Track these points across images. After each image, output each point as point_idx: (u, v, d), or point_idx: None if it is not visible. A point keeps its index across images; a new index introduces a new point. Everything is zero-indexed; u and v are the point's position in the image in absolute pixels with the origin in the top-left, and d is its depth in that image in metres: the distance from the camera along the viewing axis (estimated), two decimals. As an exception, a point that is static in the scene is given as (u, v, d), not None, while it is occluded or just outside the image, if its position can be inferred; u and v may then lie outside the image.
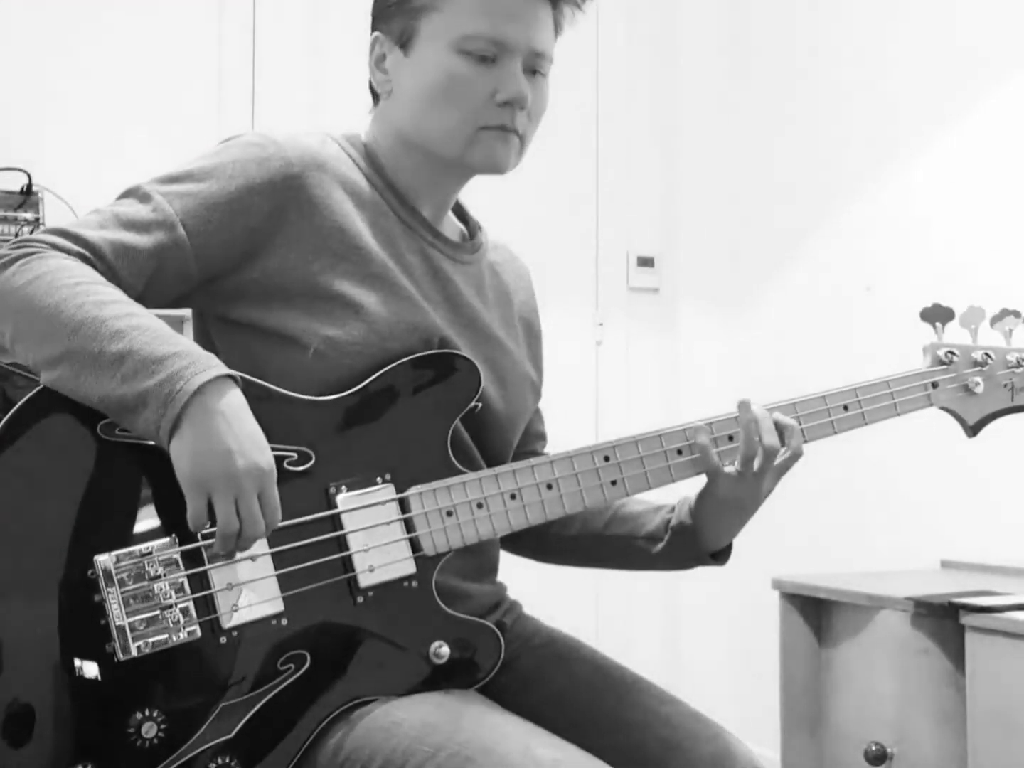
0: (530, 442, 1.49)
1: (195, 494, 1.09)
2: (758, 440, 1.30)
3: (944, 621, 1.95)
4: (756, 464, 1.31)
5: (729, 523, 1.37)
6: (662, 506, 1.43)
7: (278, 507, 1.12)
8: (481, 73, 1.28)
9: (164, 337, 1.12)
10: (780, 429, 1.32)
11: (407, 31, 1.31)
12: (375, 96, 1.38)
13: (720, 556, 1.41)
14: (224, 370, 1.12)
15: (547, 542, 1.46)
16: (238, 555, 1.13)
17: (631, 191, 3.49)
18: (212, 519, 1.10)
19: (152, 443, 1.12)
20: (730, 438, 1.33)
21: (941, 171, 2.75)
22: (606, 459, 1.30)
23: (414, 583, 1.22)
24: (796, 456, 1.33)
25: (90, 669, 1.09)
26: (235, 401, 1.11)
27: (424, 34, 1.30)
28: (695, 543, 1.39)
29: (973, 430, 1.47)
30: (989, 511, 2.54)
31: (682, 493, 1.40)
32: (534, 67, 1.31)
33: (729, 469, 1.32)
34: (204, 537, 1.13)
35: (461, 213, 1.47)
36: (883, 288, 2.88)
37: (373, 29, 1.35)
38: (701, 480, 1.36)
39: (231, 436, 1.09)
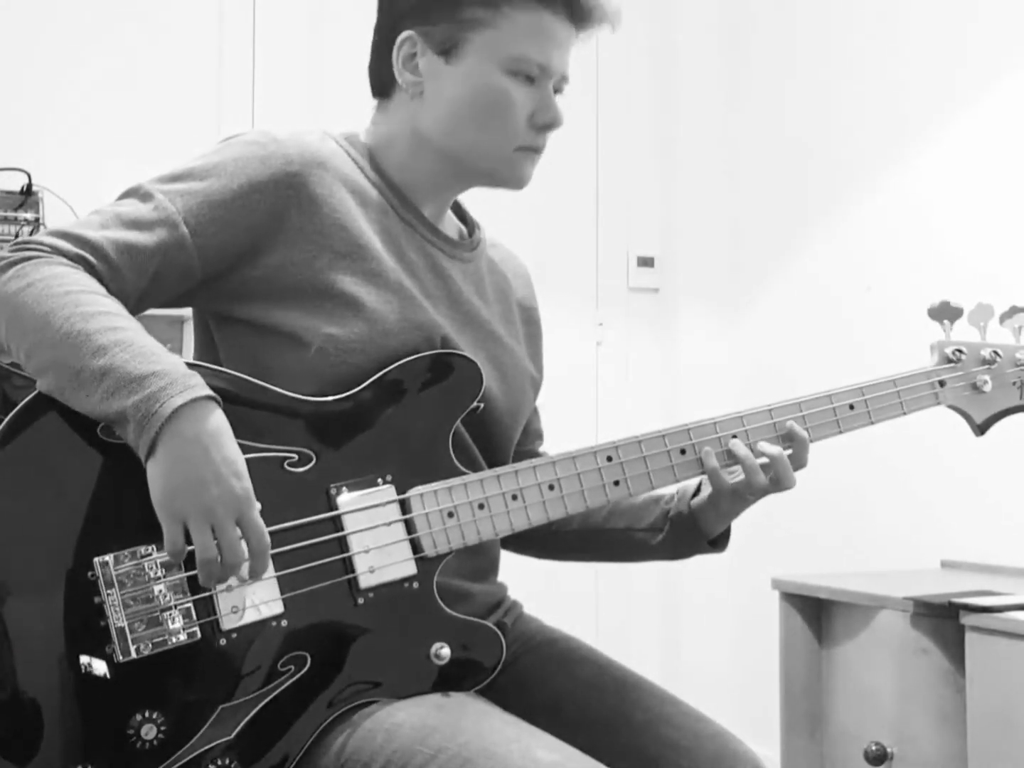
0: (529, 440, 1.50)
1: (169, 523, 1.08)
2: (768, 477, 1.31)
3: (944, 621, 1.95)
4: (762, 491, 1.33)
5: (729, 513, 1.38)
6: (660, 496, 1.44)
7: (262, 531, 1.10)
8: (524, 95, 1.31)
9: (146, 355, 1.10)
10: (791, 441, 1.33)
11: (453, 40, 1.30)
12: (381, 91, 1.37)
13: (719, 543, 1.42)
14: (202, 391, 1.10)
15: (547, 539, 1.46)
16: (232, 581, 1.12)
17: (631, 191, 3.49)
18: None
19: None
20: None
21: (941, 170, 2.75)
22: (608, 459, 1.30)
23: (415, 584, 1.22)
24: (799, 468, 1.34)
25: (90, 670, 1.09)
26: (212, 425, 1.10)
27: (474, 47, 1.30)
28: (695, 533, 1.40)
29: (981, 429, 1.46)
30: (989, 511, 2.54)
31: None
32: (558, 88, 1.35)
33: (734, 481, 1.33)
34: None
35: (459, 212, 1.47)
36: (883, 288, 2.87)
37: (399, 26, 1.32)
38: None
39: (205, 465, 1.08)
